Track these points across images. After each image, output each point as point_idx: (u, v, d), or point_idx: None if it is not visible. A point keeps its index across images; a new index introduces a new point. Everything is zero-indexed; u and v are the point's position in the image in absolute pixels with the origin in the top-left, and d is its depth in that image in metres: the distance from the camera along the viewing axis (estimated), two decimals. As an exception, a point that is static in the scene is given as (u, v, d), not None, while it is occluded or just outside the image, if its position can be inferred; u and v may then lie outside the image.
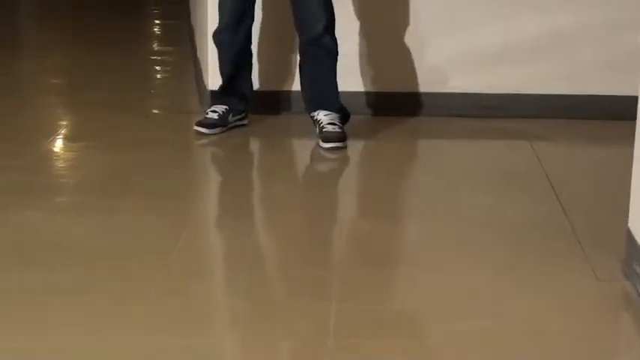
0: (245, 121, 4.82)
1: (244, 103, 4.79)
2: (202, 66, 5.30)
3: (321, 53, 4.61)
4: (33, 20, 8.41)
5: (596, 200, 3.99)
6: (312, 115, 4.66)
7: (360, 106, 4.95)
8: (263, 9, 4.88)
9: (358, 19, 4.95)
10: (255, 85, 4.88)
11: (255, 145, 4.82)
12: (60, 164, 4.50)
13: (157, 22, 8.09)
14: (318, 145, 4.55)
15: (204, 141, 4.67)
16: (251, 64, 4.80)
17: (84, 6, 8.40)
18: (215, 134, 4.69)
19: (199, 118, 4.75)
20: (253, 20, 4.68)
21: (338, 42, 4.61)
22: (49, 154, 4.57)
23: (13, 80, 5.90)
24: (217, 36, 4.72)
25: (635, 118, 3.21)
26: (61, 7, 8.36)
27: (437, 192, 4.10)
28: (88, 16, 7.94)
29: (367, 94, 5.02)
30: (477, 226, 3.68)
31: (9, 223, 3.67)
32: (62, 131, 4.90)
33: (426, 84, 5.03)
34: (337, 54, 4.62)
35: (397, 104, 5.02)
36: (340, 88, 4.67)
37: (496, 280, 3.24)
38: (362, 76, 5.01)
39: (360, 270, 3.30)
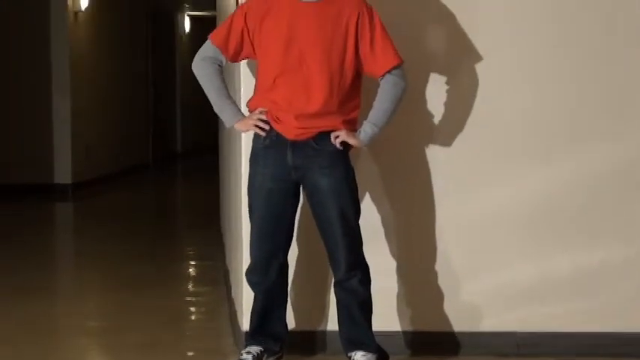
0: (280, 362, 4.79)
1: (279, 343, 4.76)
2: (237, 307, 5.30)
3: (349, 296, 4.60)
4: (68, 263, 8.51)
5: None
6: (349, 355, 4.61)
7: (398, 346, 4.89)
8: (298, 247, 4.92)
9: (392, 258, 4.97)
10: (290, 325, 4.86)
11: (290, 388, 4.77)
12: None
13: (193, 263, 8.18)
14: (354, 386, 4.50)
15: (240, 383, 4.63)
16: (285, 304, 4.79)
17: (119, 246, 8.54)
18: (250, 376, 4.64)
19: (234, 359, 4.71)
20: (286, 260, 4.69)
21: (375, 280, 4.61)
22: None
23: (49, 323, 5.91)
24: (248, 275, 4.74)
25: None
26: (95, 249, 8.50)
27: None
28: (123, 254, 8.07)
29: (404, 333, 4.98)
30: None
31: None
32: (97, 374, 4.89)
33: (462, 323, 4.99)
34: (365, 296, 4.59)
35: (434, 344, 4.97)
36: (377, 328, 4.64)
37: None
38: (398, 315, 4.98)
39: None
